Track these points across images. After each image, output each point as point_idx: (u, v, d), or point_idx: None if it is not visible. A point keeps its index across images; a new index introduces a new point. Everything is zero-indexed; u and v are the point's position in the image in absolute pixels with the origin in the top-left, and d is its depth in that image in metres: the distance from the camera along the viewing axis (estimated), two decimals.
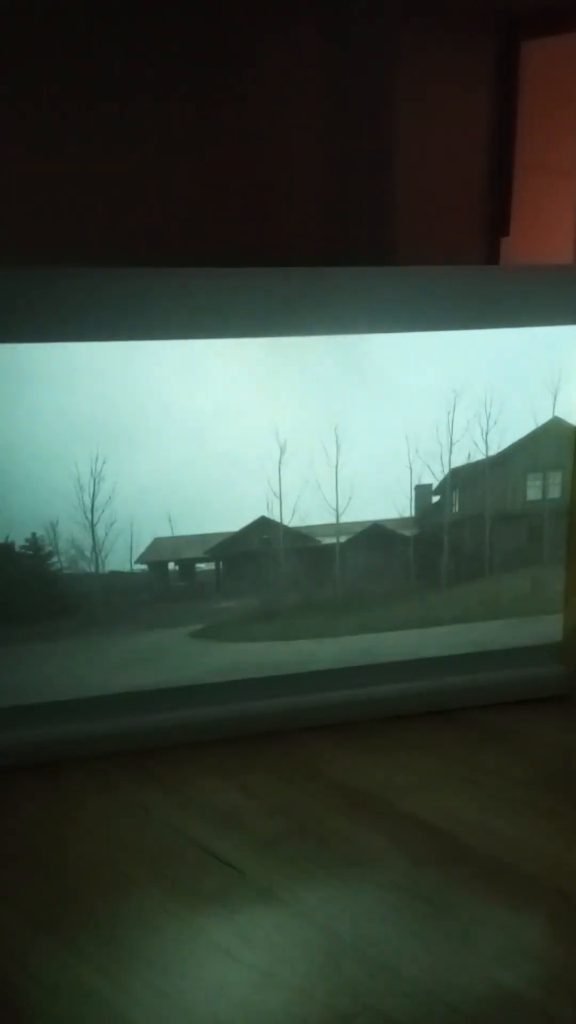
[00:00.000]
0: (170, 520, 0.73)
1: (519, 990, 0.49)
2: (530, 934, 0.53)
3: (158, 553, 0.74)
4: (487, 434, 0.77)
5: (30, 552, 0.71)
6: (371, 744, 0.74)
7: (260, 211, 0.79)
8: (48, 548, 0.72)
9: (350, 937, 0.53)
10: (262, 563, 0.76)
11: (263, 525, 0.75)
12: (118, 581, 0.74)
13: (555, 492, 0.80)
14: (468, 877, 0.58)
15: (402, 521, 0.78)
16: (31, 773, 0.71)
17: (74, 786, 0.69)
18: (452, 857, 0.60)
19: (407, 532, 0.78)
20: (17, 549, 0.71)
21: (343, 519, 0.76)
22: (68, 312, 0.65)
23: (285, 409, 0.72)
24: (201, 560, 0.76)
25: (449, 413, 0.75)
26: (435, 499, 0.78)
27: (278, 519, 0.75)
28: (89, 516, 0.71)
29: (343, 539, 0.77)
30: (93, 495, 0.71)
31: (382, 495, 0.77)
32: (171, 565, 0.76)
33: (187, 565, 0.76)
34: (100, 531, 0.72)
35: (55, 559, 0.72)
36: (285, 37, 0.76)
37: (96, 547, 0.72)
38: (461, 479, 0.78)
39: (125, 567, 0.74)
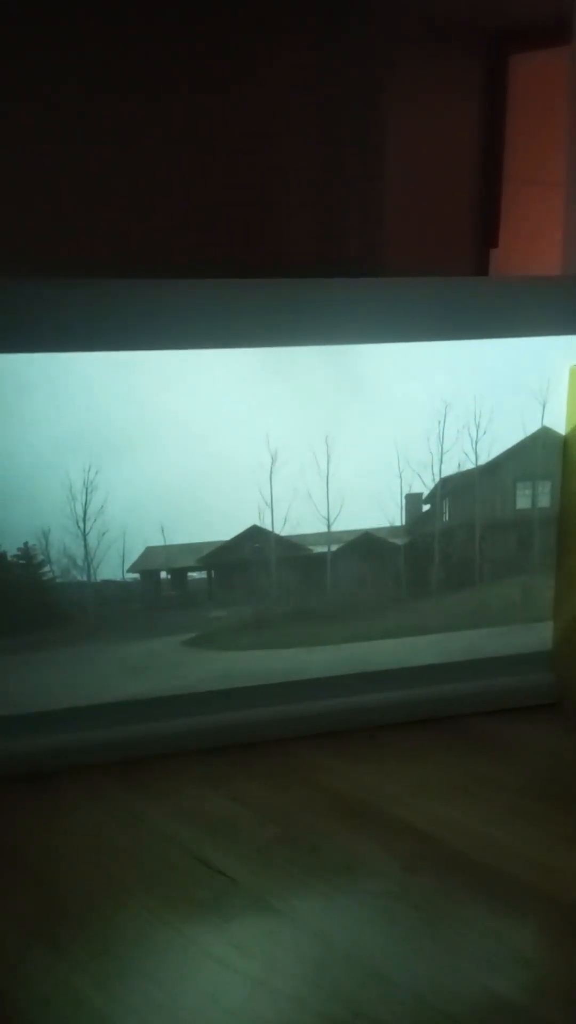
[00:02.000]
0: (162, 529, 0.73)
1: (511, 997, 0.49)
2: (522, 941, 0.53)
3: (150, 562, 0.74)
4: (477, 443, 0.77)
5: (22, 561, 0.72)
6: (362, 752, 0.74)
7: (251, 223, 0.80)
8: (40, 557, 0.72)
9: (343, 945, 0.53)
10: (254, 572, 0.77)
11: (255, 534, 0.75)
12: (110, 590, 0.74)
13: (544, 501, 0.80)
14: (460, 884, 0.58)
15: (393, 530, 0.78)
16: (22, 783, 0.71)
17: (66, 796, 0.69)
18: (444, 864, 0.60)
19: (398, 541, 0.79)
20: (9, 558, 0.71)
21: (334, 528, 0.77)
22: (60, 322, 0.65)
23: (276, 419, 0.72)
24: (193, 569, 0.76)
25: (439, 423, 0.76)
26: (425, 508, 0.78)
27: (269, 528, 0.75)
28: (81, 525, 0.71)
29: (334, 548, 0.77)
30: (85, 504, 0.71)
31: (373, 504, 0.77)
32: (163, 574, 0.76)
33: (179, 574, 0.76)
34: (92, 540, 0.72)
35: (47, 568, 0.72)
36: (278, 52, 0.77)
37: (88, 556, 0.72)
38: (451, 488, 0.78)
39: (117, 576, 0.74)
